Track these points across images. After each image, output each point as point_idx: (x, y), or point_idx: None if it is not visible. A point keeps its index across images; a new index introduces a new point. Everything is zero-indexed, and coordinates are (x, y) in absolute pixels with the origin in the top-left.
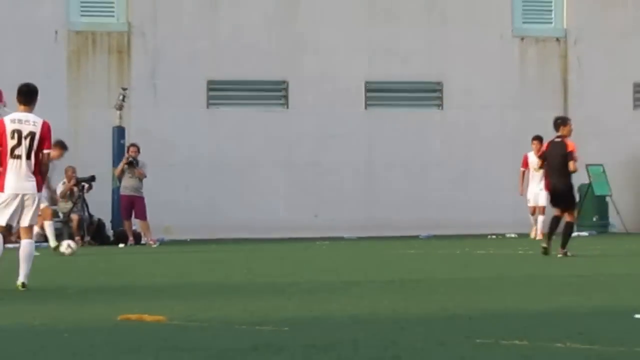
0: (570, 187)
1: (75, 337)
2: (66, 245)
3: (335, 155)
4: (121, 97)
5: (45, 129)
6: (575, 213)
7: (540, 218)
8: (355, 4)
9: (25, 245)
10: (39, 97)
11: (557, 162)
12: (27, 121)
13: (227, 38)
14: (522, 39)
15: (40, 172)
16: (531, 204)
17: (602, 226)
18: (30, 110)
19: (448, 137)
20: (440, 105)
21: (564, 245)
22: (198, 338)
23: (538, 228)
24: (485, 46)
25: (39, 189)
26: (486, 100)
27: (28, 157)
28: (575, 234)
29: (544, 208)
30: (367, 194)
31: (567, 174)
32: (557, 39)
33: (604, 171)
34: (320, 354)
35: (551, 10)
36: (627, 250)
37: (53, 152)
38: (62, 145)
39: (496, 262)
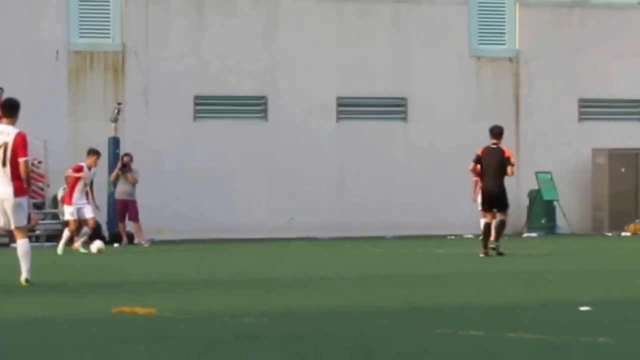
0: (504, 189)
1: (74, 328)
2: (96, 247)
3: (309, 164)
4: (116, 111)
5: (19, 139)
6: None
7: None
8: (328, 27)
9: (21, 245)
10: (42, 111)
11: (493, 166)
12: (2, 132)
13: (212, 57)
14: (478, 58)
15: (20, 178)
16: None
17: (550, 228)
18: (12, 123)
19: (411, 148)
20: (404, 119)
21: (497, 238)
22: (186, 328)
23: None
24: (445, 65)
25: (19, 194)
26: (446, 114)
27: (4, 164)
28: (525, 235)
29: None
30: (339, 198)
31: (502, 178)
32: (510, 59)
33: (551, 178)
34: (296, 343)
35: (504, 33)
36: (573, 249)
37: (88, 160)
38: (94, 152)
39: (454, 260)
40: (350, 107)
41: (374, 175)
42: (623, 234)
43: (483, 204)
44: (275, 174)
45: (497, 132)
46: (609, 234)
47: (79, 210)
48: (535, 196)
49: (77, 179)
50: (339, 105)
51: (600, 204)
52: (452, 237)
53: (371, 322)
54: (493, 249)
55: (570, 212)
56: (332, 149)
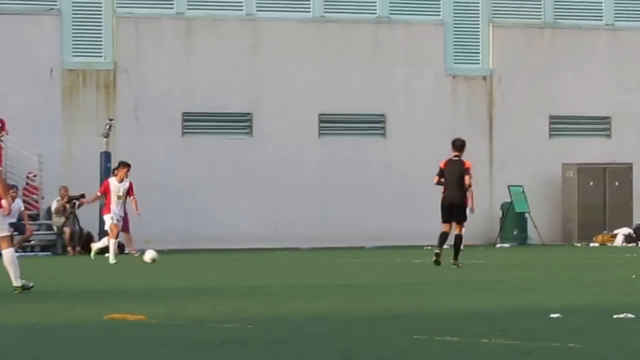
0: (464, 202)
1: (68, 333)
2: (150, 256)
3: (293, 177)
4: (108, 127)
5: None
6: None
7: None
8: (310, 47)
9: (4, 254)
10: (37, 126)
11: (455, 178)
12: None
13: (199, 76)
14: (454, 77)
15: None
16: None
17: (522, 239)
18: None
19: (390, 161)
20: (383, 135)
21: (456, 256)
22: (174, 334)
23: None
24: (422, 83)
25: None
26: (423, 131)
27: None
28: (498, 245)
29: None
30: (321, 210)
31: (463, 190)
32: (484, 77)
33: (523, 191)
34: (280, 348)
35: (479, 53)
36: (544, 259)
37: (120, 172)
38: (124, 165)
39: (431, 269)
40: (331, 123)
41: (354, 188)
42: (591, 244)
43: (443, 214)
44: (260, 187)
45: (458, 145)
46: (578, 245)
47: (119, 218)
48: (507, 208)
49: (109, 194)
50: (320, 121)
51: (570, 216)
52: (429, 247)
53: (351, 327)
54: (437, 254)
55: (541, 223)
56: (314, 164)
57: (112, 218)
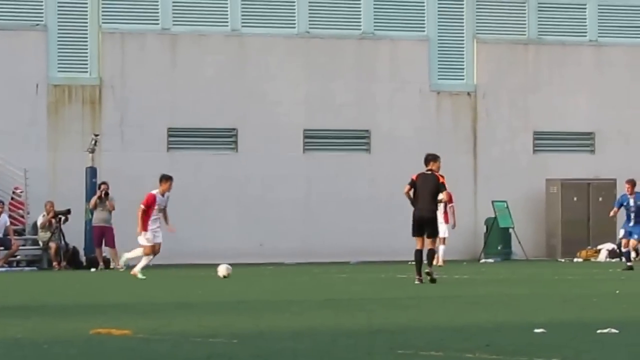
0: (435, 216)
1: (54, 348)
2: (224, 270)
3: (278, 192)
4: (93, 142)
5: None
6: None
7: (442, 247)
8: (295, 63)
9: None
10: (22, 142)
11: (427, 192)
12: None
13: (185, 91)
14: (438, 93)
15: None
16: None
17: (506, 254)
18: None
19: (374, 177)
20: (368, 150)
21: (430, 264)
22: (160, 349)
23: (440, 256)
24: (407, 99)
25: None
26: (407, 146)
27: None
28: (482, 260)
29: (444, 239)
30: (305, 225)
31: (435, 204)
32: (468, 93)
33: (507, 206)
34: None
35: (463, 69)
36: (528, 274)
37: (162, 186)
38: (167, 178)
39: (415, 284)
40: (316, 139)
41: (338, 203)
42: (575, 260)
43: (413, 228)
44: (244, 202)
45: (429, 159)
46: (562, 260)
47: (154, 235)
48: (491, 224)
49: (151, 208)
50: (305, 137)
51: (554, 231)
52: (413, 262)
53: (336, 342)
54: (428, 273)
55: (525, 239)
56: (299, 179)
57: (149, 240)
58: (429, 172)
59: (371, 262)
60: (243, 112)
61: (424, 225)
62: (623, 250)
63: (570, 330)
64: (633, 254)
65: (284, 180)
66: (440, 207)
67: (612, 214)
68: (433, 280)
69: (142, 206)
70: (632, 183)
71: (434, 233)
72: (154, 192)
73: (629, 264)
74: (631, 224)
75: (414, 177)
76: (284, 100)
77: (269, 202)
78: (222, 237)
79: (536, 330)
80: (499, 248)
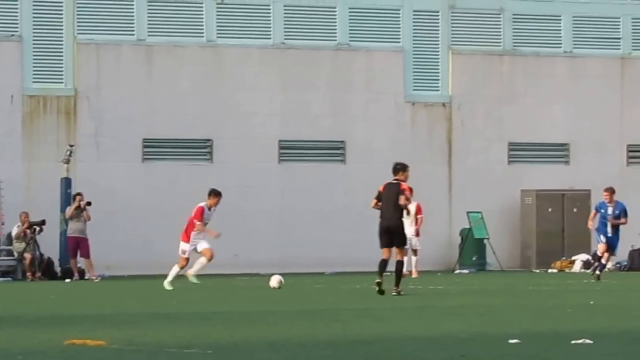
0: (401, 225)
1: (28, 359)
2: (277, 281)
3: (252, 203)
4: (68, 153)
5: None
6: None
7: (414, 259)
8: (270, 74)
9: None
10: None
11: (390, 201)
12: None
13: (160, 102)
14: (413, 104)
15: None
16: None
17: (481, 265)
18: None
19: (349, 188)
20: (343, 161)
21: (397, 283)
22: None
23: (413, 267)
24: (382, 110)
25: None
26: (382, 157)
27: None
28: (457, 271)
29: (416, 250)
30: (280, 236)
31: (400, 213)
32: (443, 104)
33: (482, 217)
34: None
35: (438, 80)
36: (502, 285)
37: (210, 201)
38: (216, 194)
39: (390, 294)
40: (291, 150)
41: (314, 214)
42: (550, 270)
43: (380, 239)
44: (220, 212)
45: (397, 169)
46: (537, 271)
47: (195, 247)
48: (466, 234)
49: (199, 221)
50: (280, 148)
51: (528, 242)
52: (388, 273)
53: (311, 353)
54: (379, 282)
55: (500, 249)
56: (274, 189)
57: (185, 252)
58: (395, 182)
59: (346, 273)
60: (218, 123)
61: (391, 235)
62: (599, 254)
63: (544, 340)
64: (609, 265)
65: (259, 191)
66: (412, 218)
67: (590, 219)
68: (399, 294)
69: (196, 221)
70: (611, 191)
71: (402, 242)
72: (202, 204)
73: (598, 272)
74: (609, 233)
75: (380, 189)
76: (259, 111)
77: (244, 213)
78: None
79: (511, 341)
80: (474, 259)
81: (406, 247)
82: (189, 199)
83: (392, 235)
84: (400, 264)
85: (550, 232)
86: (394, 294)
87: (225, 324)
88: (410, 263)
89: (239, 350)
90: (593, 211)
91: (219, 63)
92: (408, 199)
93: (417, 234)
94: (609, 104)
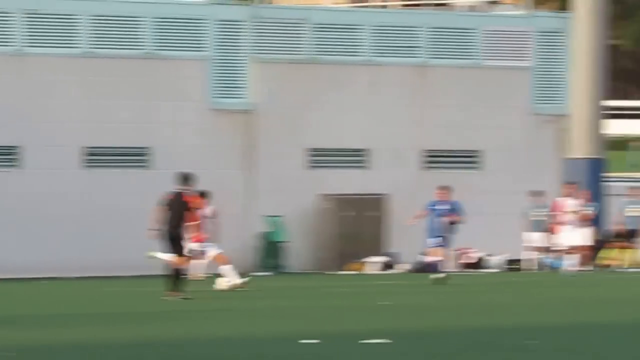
0: (179, 232)
1: None
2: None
3: (57, 208)
4: None
5: None
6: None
7: (203, 262)
8: (77, 82)
9: None
10: None
11: (175, 211)
12: None
13: None
14: (217, 111)
15: None
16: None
17: (279, 267)
18: None
19: (155, 193)
20: (148, 167)
21: (174, 289)
22: None
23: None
24: (185, 117)
25: None
26: (186, 163)
27: None
28: (255, 274)
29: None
30: (83, 240)
31: (180, 222)
32: (246, 111)
33: (281, 221)
34: None
35: (242, 87)
36: (299, 287)
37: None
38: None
39: (158, 300)
40: (96, 156)
41: (118, 218)
42: (346, 272)
43: (165, 247)
44: (24, 218)
45: (179, 178)
46: (334, 273)
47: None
48: (265, 238)
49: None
50: (85, 154)
51: (327, 245)
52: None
53: (108, 356)
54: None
55: (299, 253)
56: (79, 195)
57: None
58: (177, 191)
59: (147, 276)
60: (25, 130)
61: (171, 243)
62: (431, 260)
63: (336, 341)
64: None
65: (64, 197)
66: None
67: (416, 216)
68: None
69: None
70: (447, 189)
71: (179, 250)
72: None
73: (441, 275)
74: (441, 233)
75: (169, 197)
76: (65, 118)
77: (48, 218)
78: (1, 252)
79: (302, 341)
80: (273, 262)
81: (191, 253)
82: None
83: (172, 243)
84: (177, 270)
85: (347, 235)
86: (166, 297)
87: (28, 327)
88: (203, 267)
89: (42, 352)
90: (422, 212)
91: (25, 71)
92: (214, 211)
93: (201, 240)
94: (405, 111)
